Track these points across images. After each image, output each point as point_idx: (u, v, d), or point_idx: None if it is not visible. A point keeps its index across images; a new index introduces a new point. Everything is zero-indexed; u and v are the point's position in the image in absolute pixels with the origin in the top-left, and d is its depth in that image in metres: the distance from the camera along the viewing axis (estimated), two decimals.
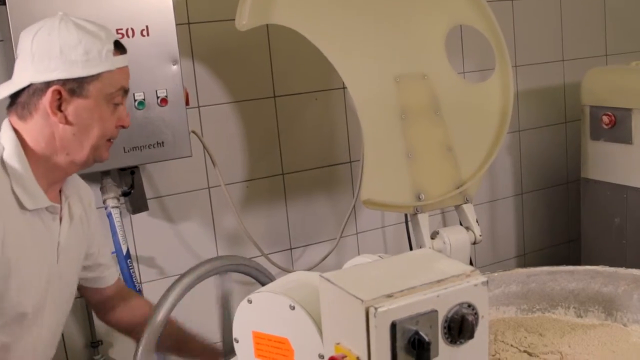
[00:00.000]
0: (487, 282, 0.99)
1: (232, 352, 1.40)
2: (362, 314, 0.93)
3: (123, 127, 1.59)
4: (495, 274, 2.03)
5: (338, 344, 0.99)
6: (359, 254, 1.38)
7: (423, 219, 2.03)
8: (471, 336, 0.97)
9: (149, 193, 2.37)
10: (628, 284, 1.97)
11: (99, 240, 1.77)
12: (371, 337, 0.92)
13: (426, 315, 0.94)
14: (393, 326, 0.92)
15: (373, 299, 0.93)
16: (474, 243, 2.10)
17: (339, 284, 0.98)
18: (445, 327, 0.96)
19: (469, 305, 0.97)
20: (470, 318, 0.96)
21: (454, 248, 2.01)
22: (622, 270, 1.98)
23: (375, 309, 0.91)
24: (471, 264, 2.28)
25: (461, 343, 0.98)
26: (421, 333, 0.93)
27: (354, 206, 2.61)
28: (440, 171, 2.09)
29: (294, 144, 2.63)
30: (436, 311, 0.95)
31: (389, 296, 0.94)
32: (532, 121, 3.15)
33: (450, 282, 0.97)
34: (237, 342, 1.31)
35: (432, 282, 0.97)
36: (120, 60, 1.54)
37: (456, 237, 2.05)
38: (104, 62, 1.50)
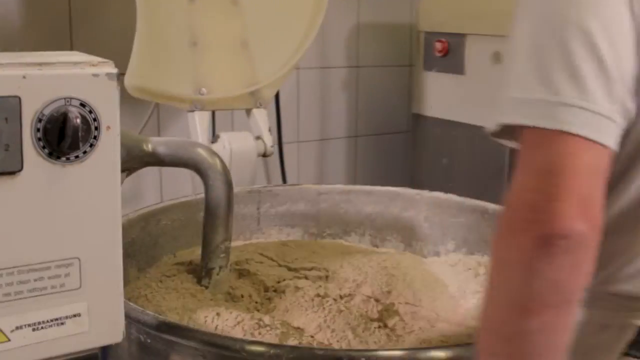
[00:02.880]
0: (118, 75, 0.68)
1: None
2: None
3: None
4: (280, 187, 1.73)
5: None
6: None
7: (202, 117, 1.71)
8: (77, 146, 0.65)
9: None
10: (431, 208, 1.73)
11: None
12: None
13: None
14: None
15: None
16: (264, 155, 1.80)
17: None
18: (38, 129, 0.64)
19: (83, 105, 0.66)
20: (76, 119, 0.64)
21: (236, 155, 1.70)
22: (425, 193, 1.73)
23: None
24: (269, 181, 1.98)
25: (69, 160, 0.66)
26: None
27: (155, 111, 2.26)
28: (230, 67, 1.78)
29: (91, 40, 2.26)
30: (18, 98, 0.63)
31: None
32: (373, 58, 2.88)
33: (53, 66, 0.66)
34: None
35: (22, 63, 0.65)
36: None
37: (240, 143, 1.75)
38: None
